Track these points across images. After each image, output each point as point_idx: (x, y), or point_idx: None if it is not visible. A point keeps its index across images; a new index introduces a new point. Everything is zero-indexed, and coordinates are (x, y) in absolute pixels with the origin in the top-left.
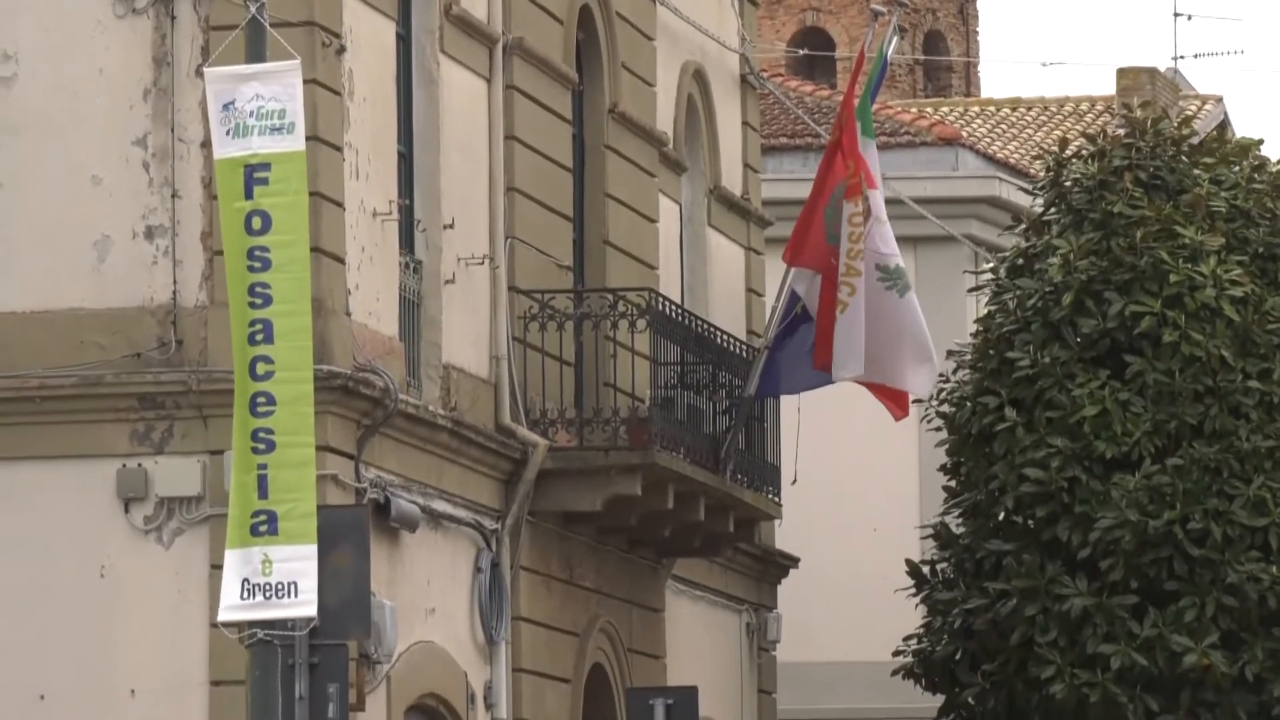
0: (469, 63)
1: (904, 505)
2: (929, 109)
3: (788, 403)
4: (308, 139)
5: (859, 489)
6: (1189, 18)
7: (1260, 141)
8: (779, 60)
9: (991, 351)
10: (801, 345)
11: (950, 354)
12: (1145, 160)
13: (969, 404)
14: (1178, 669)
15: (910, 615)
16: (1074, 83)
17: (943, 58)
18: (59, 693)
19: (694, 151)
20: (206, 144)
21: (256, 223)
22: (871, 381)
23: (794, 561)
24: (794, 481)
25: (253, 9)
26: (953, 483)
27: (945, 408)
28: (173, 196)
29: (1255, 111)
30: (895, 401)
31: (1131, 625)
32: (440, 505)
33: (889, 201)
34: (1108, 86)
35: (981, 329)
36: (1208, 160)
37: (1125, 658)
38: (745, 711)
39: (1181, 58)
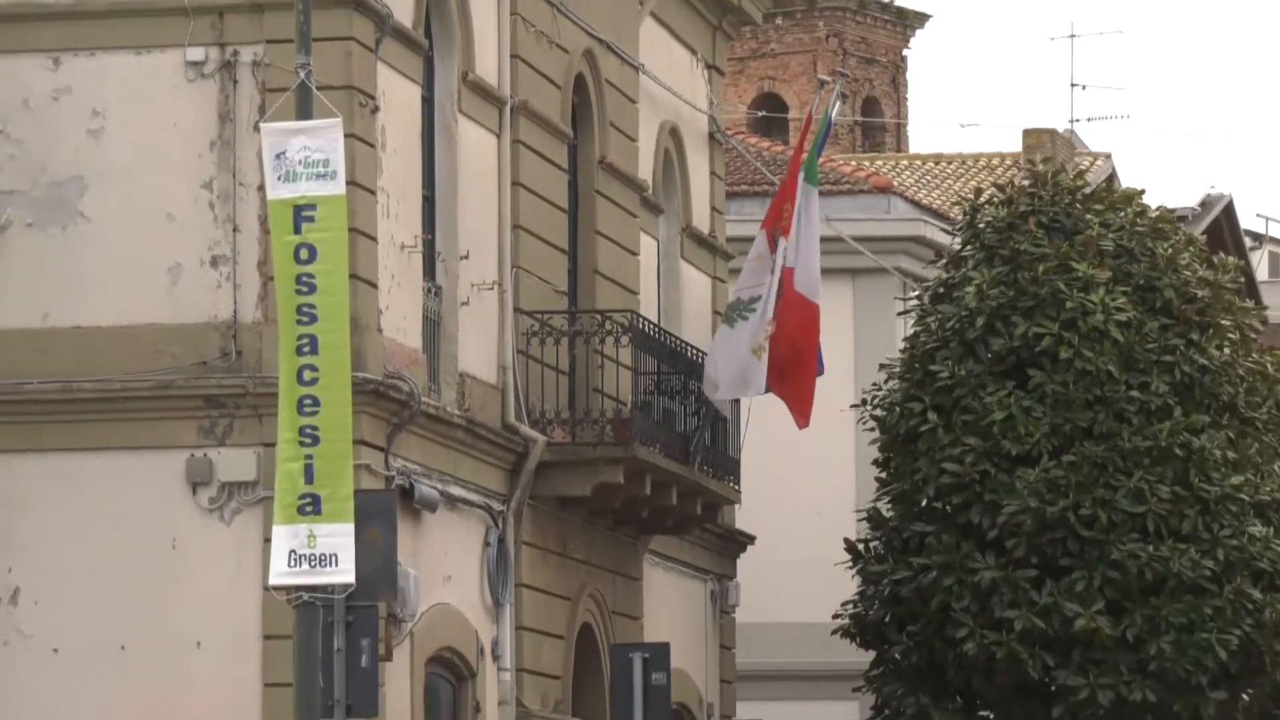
0: (482, 121)
1: (843, 493)
2: (866, 162)
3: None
4: (347, 184)
5: (806, 480)
6: (1083, 87)
7: (1142, 192)
8: (741, 120)
9: (916, 365)
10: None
11: (882, 366)
12: (1046, 206)
13: (897, 409)
14: (1070, 631)
15: (847, 585)
16: (987, 141)
17: (877, 119)
18: (137, 645)
19: (669, 196)
20: (262, 187)
21: (304, 254)
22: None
23: (750, 539)
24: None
25: (301, 75)
26: (883, 474)
27: (877, 411)
28: (234, 231)
29: (1138, 166)
30: (798, 410)
31: (1032, 594)
32: (455, 490)
33: (831, 239)
34: (1015, 144)
35: (908, 346)
36: (1098, 207)
37: (1026, 621)
38: (709, 664)
39: (1076, 121)
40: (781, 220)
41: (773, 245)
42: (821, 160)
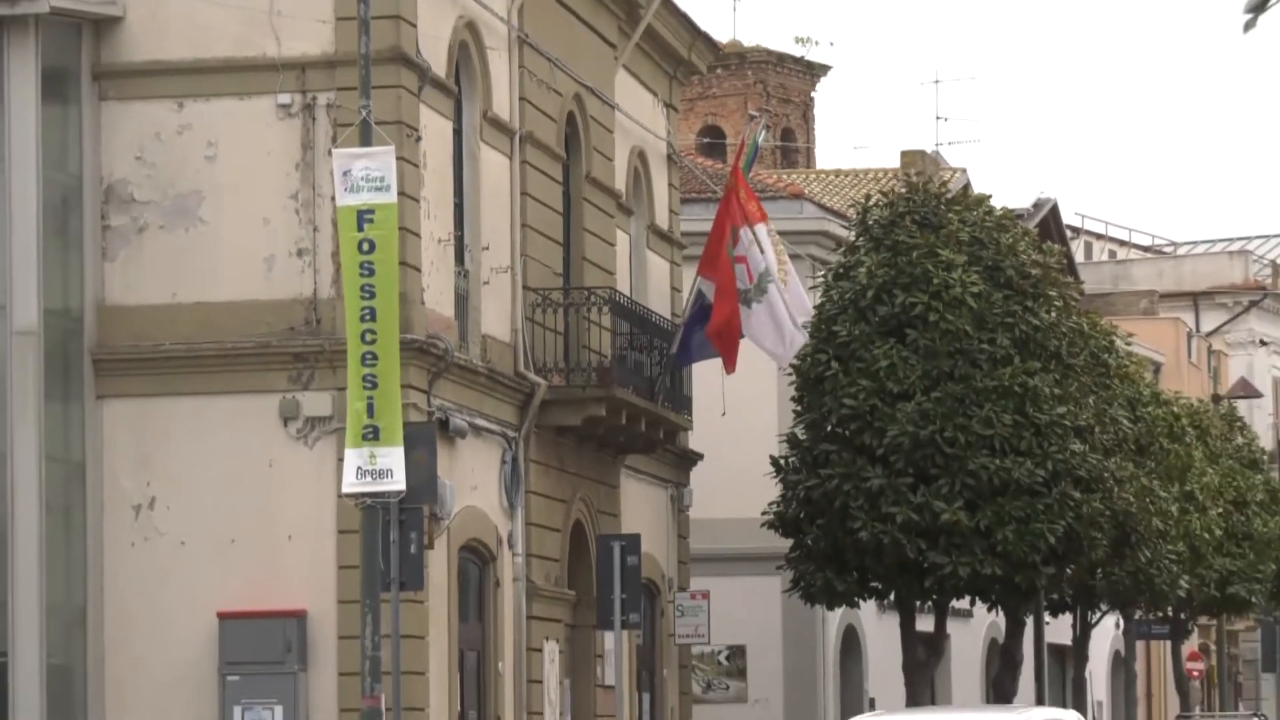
0: (498, 147)
1: (768, 422)
2: (784, 176)
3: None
4: (398, 194)
5: (743, 412)
6: (945, 119)
7: (989, 197)
8: (691, 145)
9: (823, 327)
10: (703, 332)
11: (805, 328)
12: (918, 208)
13: (808, 359)
14: (938, 523)
15: (772, 490)
16: (874, 159)
17: (792, 144)
18: (244, 539)
19: (638, 201)
20: (333, 198)
21: (365, 246)
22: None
23: (699, 456)
24: (723, 414)
25: (363, 113)
26: (798, 408)
27: (794, 361)
28: (314, 230)
29: (986, 178)
30: (728, 362)
31: (909, 495)
32: (480, 422)
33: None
34: (895, 162)
35: (817, 313)
36: (957, 208)
37: (905, 515)
38: (669, 550)
39: (940, 144)
40: (737, 215)
41: (735, 239)
42: (751, 175)
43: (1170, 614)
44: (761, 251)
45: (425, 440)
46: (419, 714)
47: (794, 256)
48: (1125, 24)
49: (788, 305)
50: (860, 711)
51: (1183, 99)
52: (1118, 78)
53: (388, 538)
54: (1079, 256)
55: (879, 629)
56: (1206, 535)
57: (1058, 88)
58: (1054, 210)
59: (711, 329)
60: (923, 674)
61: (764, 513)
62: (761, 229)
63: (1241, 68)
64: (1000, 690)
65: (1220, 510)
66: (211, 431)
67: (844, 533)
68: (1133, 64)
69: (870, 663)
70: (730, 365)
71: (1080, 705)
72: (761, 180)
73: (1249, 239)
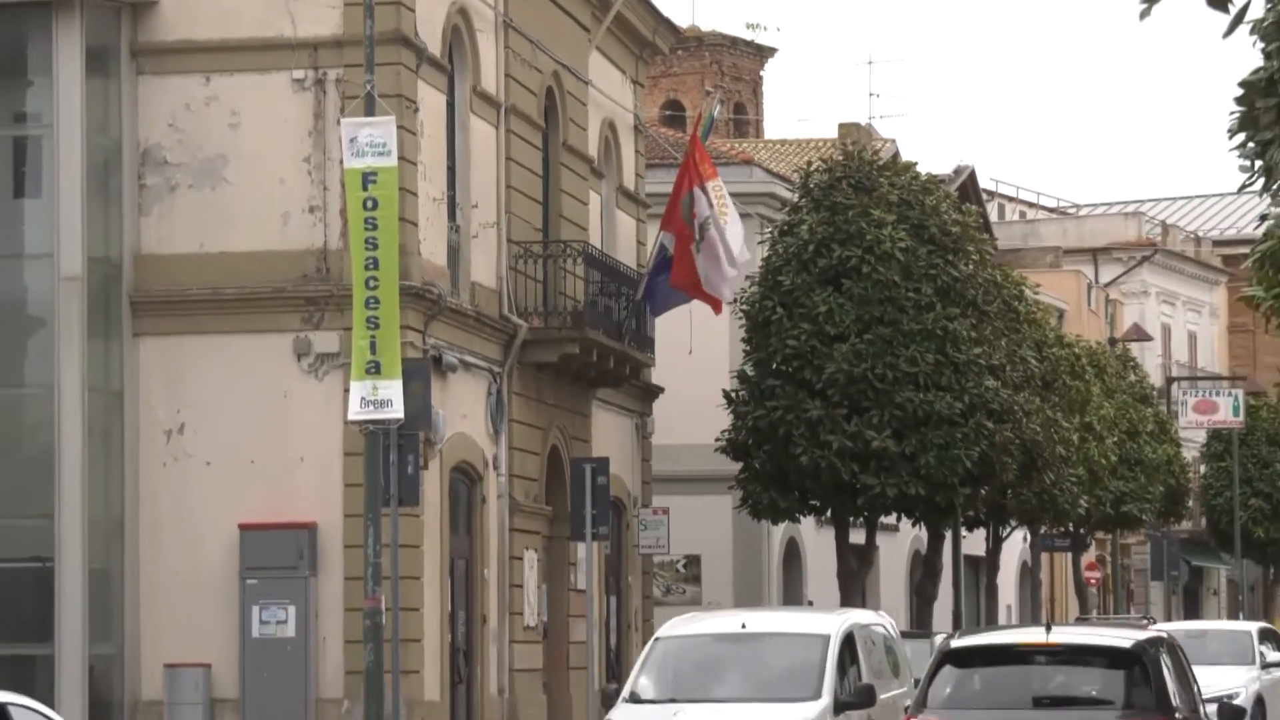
0: (485, 118)
1: (721, 360)
2: (736, 144)
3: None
4: (398, 159)
5: (699, 351)
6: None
7: (915, 164)
8: (655, 117)
9: (769, 276)
10: (666, 277)
11: (748, 278)
12: (853, 173)
13: (757, 304)
14: (869, 449)
15: (724, 419)
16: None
17: (743, 116)
18: (262, 460)
19: (609, 166)
20: (342, 161)
21: (369, 204)
22: (701, 296)
23: (661, 389)
24: (690, 352)
25: (368, 87)
26: (748, 348)
27: (745, 307)
28: (324, 189)
29: (913, 147)
30: (713, 305)
31: (844, 425)
32: (469, 358)
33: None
34: (833, 133)
35: (764, 264)
36: (887, 173)
37: (841, 443)
38: (634, 471)
39: (873, 118)
40: (694, 177)
41: (693, 201)
42: (708, 144)
43: (1071, 529)
44: (710, 206)
45: (421, 374)
46: (414, 614)
47: (744, 215)
48: (1036, 9)
49: (727, 249)
50: (796, 604)
51: (1086, 77)
52: (1029, 59)
53: (387, 459)
54: (993, 216)
55: (817, 541)
56: (1103, 461)
57: (977, 68)
58: (972, 176)
59: (678, 280)
60: (855, 581)
61: (717, 439)
62: (712, 184)
63: (1137, 50)
64: (922, 595)
65: (1115, 439)
66: (234, 366)
67: (787, 457)
68: (1042, 46)
69: (809, 571)
70: (717, 308)
71: (992, 609)
72: (716, 148)
73: (1142, 201)
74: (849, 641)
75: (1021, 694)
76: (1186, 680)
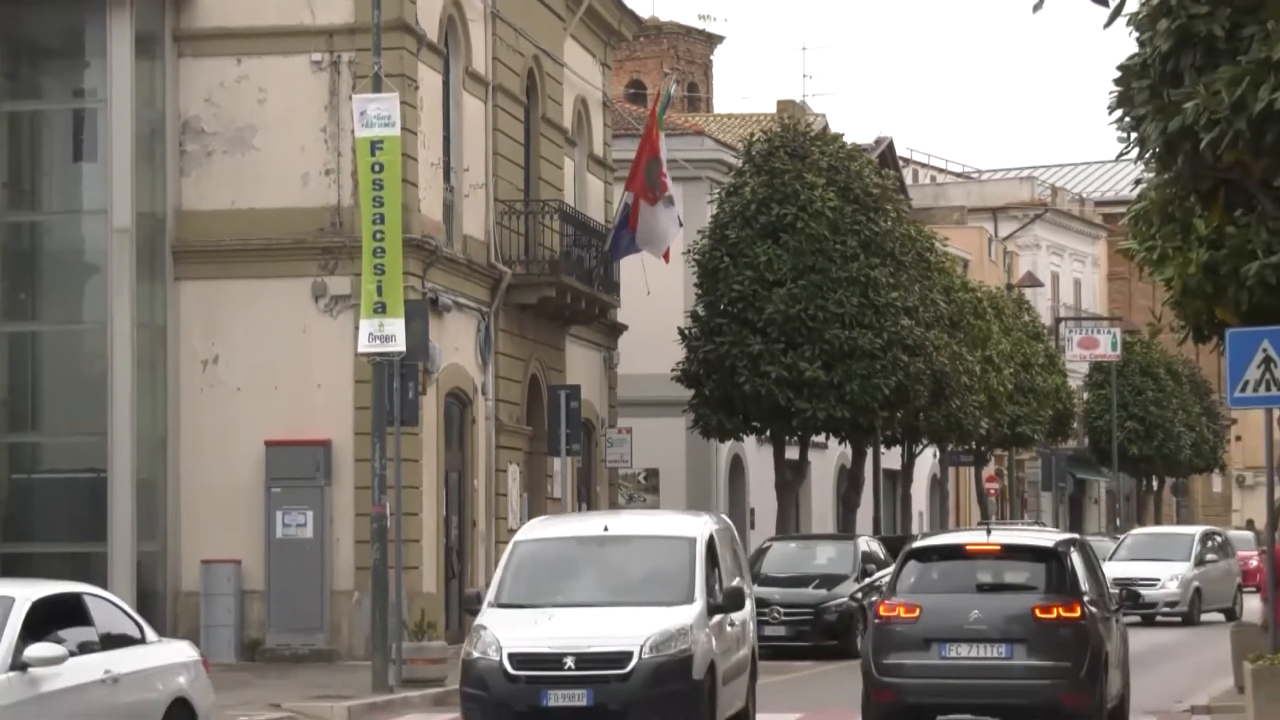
0: (476, 94)
1: (677, 301)
2: (690, 118)
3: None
4: (401, 130)
5: (656, 293)
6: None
7: (841, 135)
8: (620, 94)
9: (718, 231)
10: (624, 240)
11: (699, 233)
12: (789, 143)
13: (707, 254)
14: (802, 378)
15: (679, 352)
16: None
17: (696, 94)
18: (284, 386)
19: (580, 136)
20: (353, 131)
21: (376, 168)
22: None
23: (625, 327)
24: (648, 293)
25: (376, 68)
26: (699, 291)
27: (697, 256)
28: (338, 155)
29: (841, 121)
30: (664, 257)
31: (781, 358)
32: (461, 300)
33: (671, 161)
34: (772, 108)
35: (714, 221)
36: (819, 143)
37: (778, 372)
38: (602, 397)
39: (806, 95)
40: (654, 147)
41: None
42: (666, 117)
43: (973, 447)
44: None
45: (420, 314)
46: (414, 518)
47: (695, 178)
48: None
49: (668, 212)
50: (745, 519)
51: (989, 60)
52: (940, 44)
53: (391, 386)
54: (908, 180)
55: (758, 457)
56: (1001, 389)
57: (895, 53)
58: (890, 146)
59: (633, 229)
60: (789, 491)
61: (672, 370)
62: (662, 157)
63: (1032, 36)
64: (847, 504)
65: (1011, 370)
66: (261, 305)
67: (732, 385)
68: (951, 32)
69: (750, 482)
70: (667, 258)
71: (906, 516)
72: (672, 121)
73: (1035, 167)
74: (712, 545)
75: (968, 581)
76: (1095, 573)
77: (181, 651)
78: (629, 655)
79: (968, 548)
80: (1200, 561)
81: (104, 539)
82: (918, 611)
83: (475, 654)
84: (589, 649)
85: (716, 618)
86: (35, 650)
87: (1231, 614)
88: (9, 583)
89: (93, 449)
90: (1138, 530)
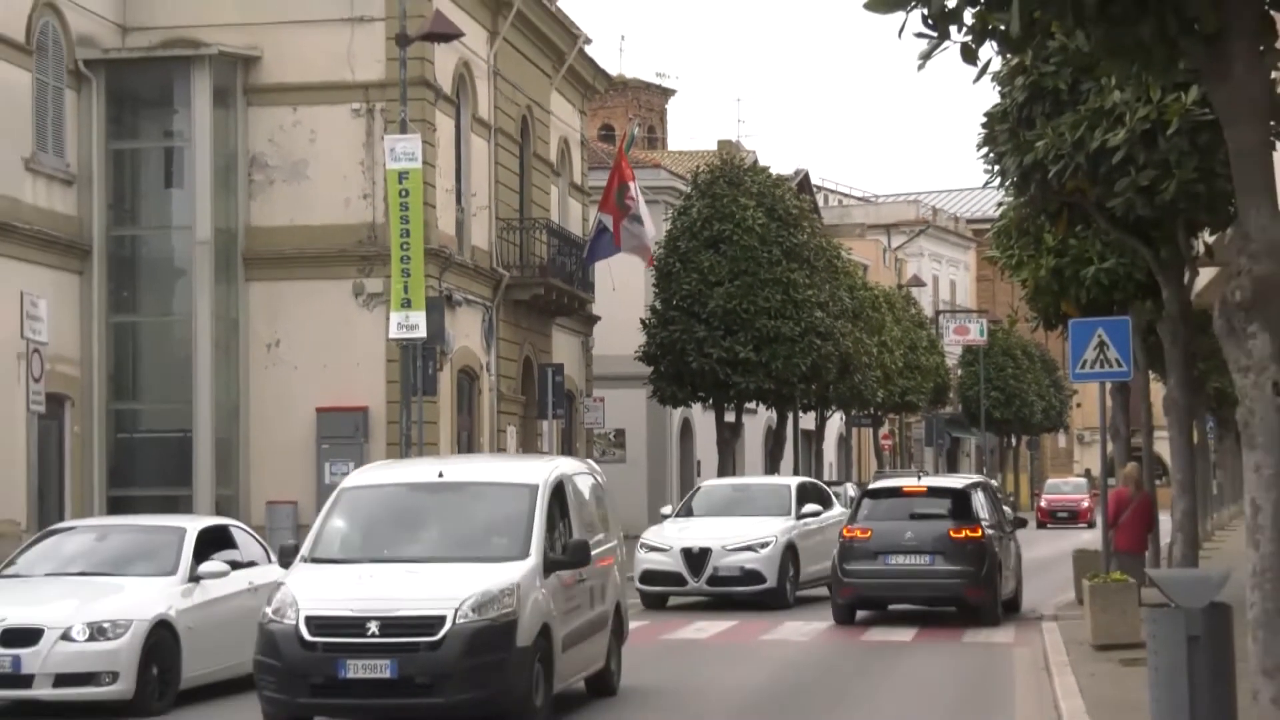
0: (481, 135)
1: (640, 297)
2: (649, 154)
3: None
4: (422, 164)
5: (624, 291)
6: (743, 121)
7: (768, 168)
8: (594, 135)
9: (671, 243)
10: (601, 242)
11: (657, 244)
12: (727, 173)
13: (663, 261)
14: (738, 358)
15: (641, 337)
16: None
17: (654, 135)
18: (331, 364)
19: (563, 168)
20: (384, 164)
21: (403, 194)
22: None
23: (599, 318)
24: (614, 289)
25: (403, 115)
26: (657, 289)
27: (655, 262)
28: (373, 183)
29: (768, 157)
30: (645, 259)
31: (722, 343)
32: (470, 297)
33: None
34: (714, 146)
35: (668, 234)
36: (750, 174)
37: (719, 353)
38: (580, 373)
39: (741, 136)
40: (621, 176)
41: (624, 192)
42: (630, 153)
43: (871, 412)
44: (634, 197)
45: (438, 308)
46: None
47: (654, 202)
48: (853, 61)
49: (643, 227)
50: (693, 469)
51: (886, 105)
52: (847, 94)
53: (415, 364)
54: (820, 203)
55: (703, 421)
56: (893, 366)
57: (810, 102)
58: (806, 176)
59: (618, 242)
60: (728, 448)
61: (635, 351)
62: (633, 185)
63: (921, 84)
64: (773, 457)
65: (900, 352)
66: (312, 301)
67: (682, 364)
68: (854, 85)
69: (697, 440)
70: (650, 261)
71: (820, 467)
72: (635, 157)
73: (920, 193)
74: (559, 493)
75: (904, 512)
76: (996, 505)
77: None
78: (440, 620)
79: (905, 489)
80: (801, 516)
81: (189, 485)
82: (870, 533)
83: (270, 615)
84: (396, 612)
85: (556, 575)
86: (205, 566)
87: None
88: (177, 518)
89: (180, 414)
90: (723, 480)
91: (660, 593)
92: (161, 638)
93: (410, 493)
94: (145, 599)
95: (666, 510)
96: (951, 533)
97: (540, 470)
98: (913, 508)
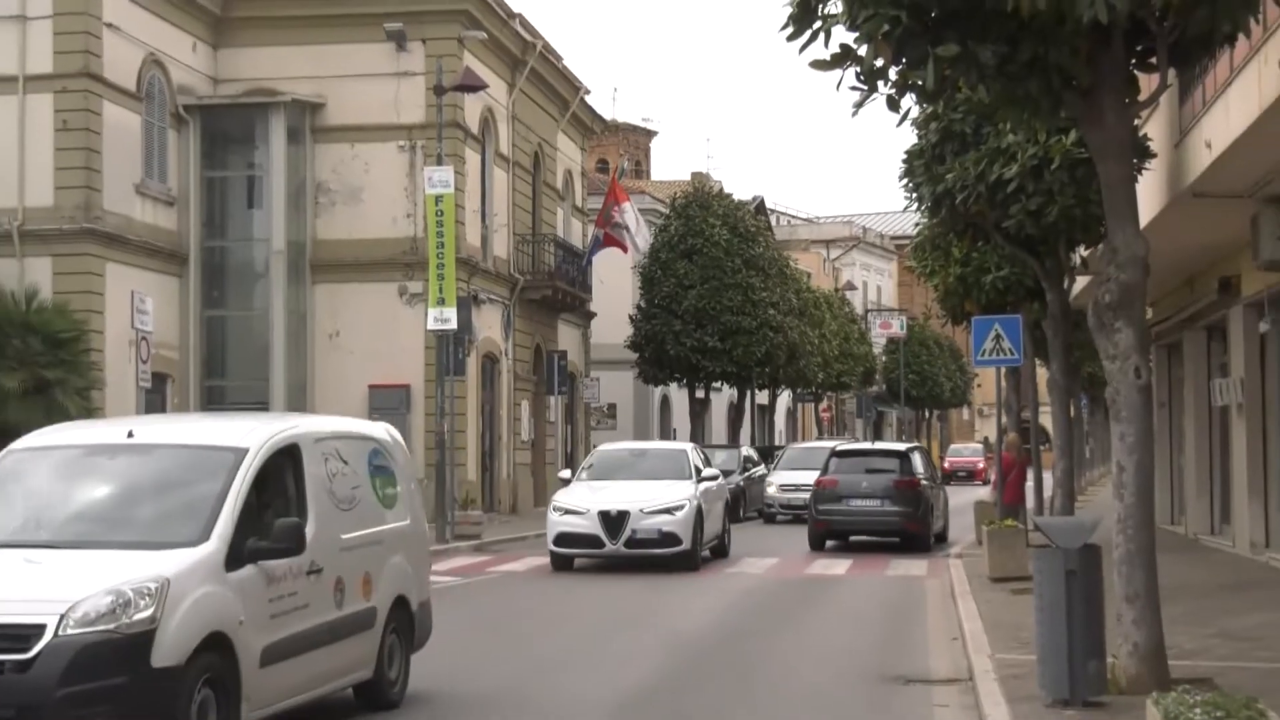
0: (501, 167)
1: (628, 297)
2: (637, 183)
3: (599, 263)
4: (455, 190)
5: (615, 292)
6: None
7: (732, 194)
8: (592, 168)
9: (653, 254)
10: (595, 249)
11: (645, 255)
12: (699, 199)
13: (647, 269)
14: (707, 347)
15: (629, 329)
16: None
17: (641, 168)
18: (382, 351)
19: (567, 194)
20: (424, 190)
21: (439, 214)
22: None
23: (595, 313)
24: (601, 282)
25: (439, 151)
26: (643, 290)
27: (640, 270)
28: (415, 205)
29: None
30: (623, 249)
31: (694, 334)
32: (492, 296)
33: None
34: (688, 177)
35: (654, 249)
36: (718, 199)
37: (692, 343)
38: (581, 358)
39: (710, 169)
40: (614, 198)
41: (612, 210)
42: (623, 182)
43: (814, 390)
44: (627, 213)
45: (466, 305)
46: (461, 434)
47: (647, 223)
48: (800, 108)
49: (637, 234)
50: (670, 435)
51: (828, 141)
52: (797, 133)
53: (448, 350)
54: (774, 222)
55: (679, 397)
56: (831, 354)
57: (765, 139)
58: (762, 201)
59: (609, 243)
60: (698, 419)
61: (625, 341)
62: (627, 205)
63: (858, 124)
64: (734, 427)
65: (837, 342)
66: (366, 299)
67: (662, 351)
68: (801, 125)
69: (674, 413)
70: (624, 250)
71: (772, 436)
72: (627, 185)
73: (853, 214)
74: (285, 462)
75: (862, 468)
76: (930, 466)
77: None
78: (38, 630)
79: (863, 450)
80: (701, 479)
81: None
82: (837, 482)
83: None
84: None
85: (255, 567)
86: None
87: None
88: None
89: (259, 390)
90: (624, 444)
91: (572, 554)
92: None
93: (84, 457)
94: None
95: (565, 474)
96: (896, 483)
97: (260, 431)
98: (868, 464)
